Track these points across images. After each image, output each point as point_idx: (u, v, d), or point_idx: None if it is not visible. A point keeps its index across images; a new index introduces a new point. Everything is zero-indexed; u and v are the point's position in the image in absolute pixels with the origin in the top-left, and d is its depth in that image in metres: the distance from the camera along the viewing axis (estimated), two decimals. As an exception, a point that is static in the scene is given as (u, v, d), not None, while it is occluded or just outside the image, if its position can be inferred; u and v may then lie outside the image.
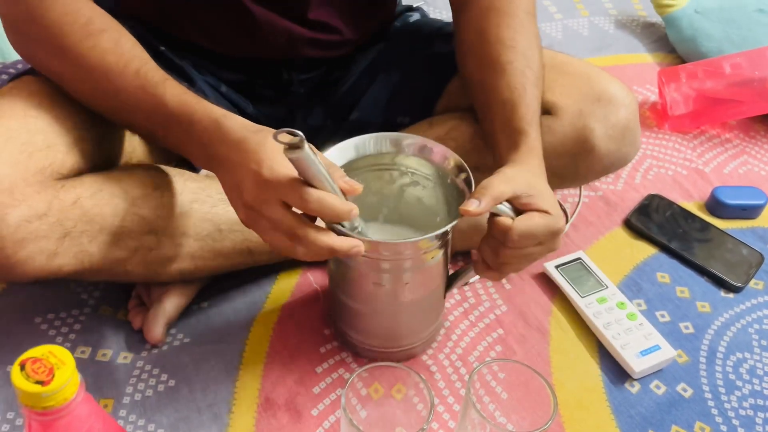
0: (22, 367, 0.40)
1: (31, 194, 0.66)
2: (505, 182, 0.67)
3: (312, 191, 0.60)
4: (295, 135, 0.55)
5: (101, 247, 0.71)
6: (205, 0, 0.81)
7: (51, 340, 0.80)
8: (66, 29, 0.67)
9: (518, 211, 0.67)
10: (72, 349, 0.79)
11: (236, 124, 0.65)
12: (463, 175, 0.72)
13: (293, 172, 0.60)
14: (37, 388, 0.40)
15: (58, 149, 0.69)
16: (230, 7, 0.81)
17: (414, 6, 0.98)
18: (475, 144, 0.84)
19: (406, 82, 0.90)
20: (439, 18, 0.97)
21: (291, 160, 0.57)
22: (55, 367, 0.40)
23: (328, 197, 0.60)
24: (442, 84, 0.89)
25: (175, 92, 0.67)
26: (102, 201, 0.71)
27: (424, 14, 0.97)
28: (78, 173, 0.71)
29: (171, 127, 0.67)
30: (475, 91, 0.79)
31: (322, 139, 0.91)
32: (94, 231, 0.70)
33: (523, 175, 0.68)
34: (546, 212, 0.67)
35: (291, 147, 0.56)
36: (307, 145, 0.56)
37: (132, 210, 0.72)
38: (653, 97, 1.21)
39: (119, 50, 0.68)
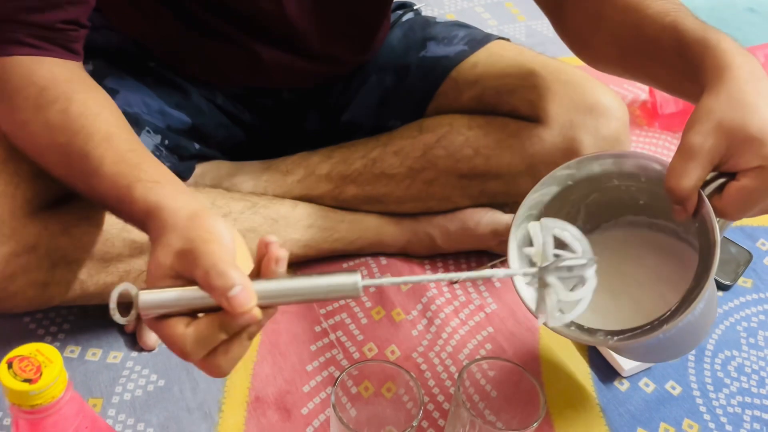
0: (10, 365, 0.40)
1: (19, 228, 0.65)
2: (695, 136, 0.55)
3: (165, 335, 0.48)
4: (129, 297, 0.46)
5: (92, 273, 0.71)
6: (211, 39, 0.79)
7: (40, 339, 0.79)
8: (20, 103, 0.61)
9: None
10: (61, 349, 0.79)
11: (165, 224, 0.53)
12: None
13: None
14: (25, 386, 0.40)
15: (43, 178, 0.66)
16: (236, 46, 0.80)
17: (407, 2, 0.98)
18: (465, 154, 0.84)
19: (397, 85, 0.90)
20: (431, 15, 0.96)
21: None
22: (42, 366, 0.40)
23: (176, 339, 0.47)
24: (434, 87, 0.89)
25: (110, 182, 0.57)
26: (91, 228, 0.70)
27: (417, 12, 0.97)
28: (64, 200, 0.69)
29: (110, 208, 0.60)
30: (626, 51, 0.70)
31: (316, 143, 0.91)
32: (84, 258, 0.70)
33: (720, 108, 0.56)
34: (760, 167, 0.55)
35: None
36: (142, 299, 0.46)
37: (121, 235, 0.72)
38: (643, 95, 1.22)
39: (65, 125, 0.60)
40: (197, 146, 0.86)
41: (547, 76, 0.83)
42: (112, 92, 0.76)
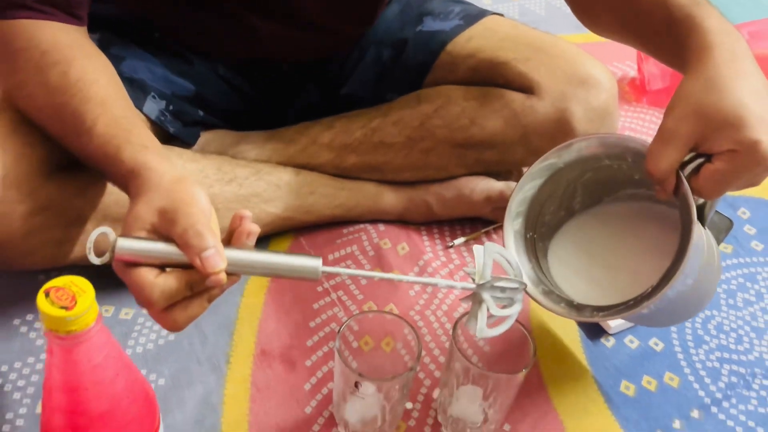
0: (47, 294, 0.44)
1: (36, 188, 0.68)
2: (672, 120, 0.57)
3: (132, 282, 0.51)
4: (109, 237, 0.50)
5: None
6: (209, 12, 0.82)
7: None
8: (21, 64, 0.64)
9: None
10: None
11: (150, 179, 0.56)
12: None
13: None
14: (62, 312, 0.43)
15: None
16: (234, 20, 0.83)
17: None
18: (461, 124, 0.88)
19: (395, 59, 0.93)
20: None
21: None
22: (77, 295, 0.44)
23: (145, 287, 0.51)
24: (431, 60, 0.92)
25: (100, 141, 0.61)
26: (104, 188, 0.73)
27: None
28: (78, 163, 0.71)
29: (98, 168, 0.64)
30: (623, 27, 0.72)
31: (316, 115, 0.94)
32: (98, 218, 0.73)
33: (694, 95, 0.57)
34: (732, 151, 0.56)
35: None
36: (120, 244, 0.50)
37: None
38: (632, 72, 1.26)
39: (63, 88, 0.63)
40: (201, 113, 0.89)
41: (540, 49, 0.87)
42: (119, 59, 0.79)
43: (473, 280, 0.60)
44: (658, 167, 0.59)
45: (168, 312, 0.51)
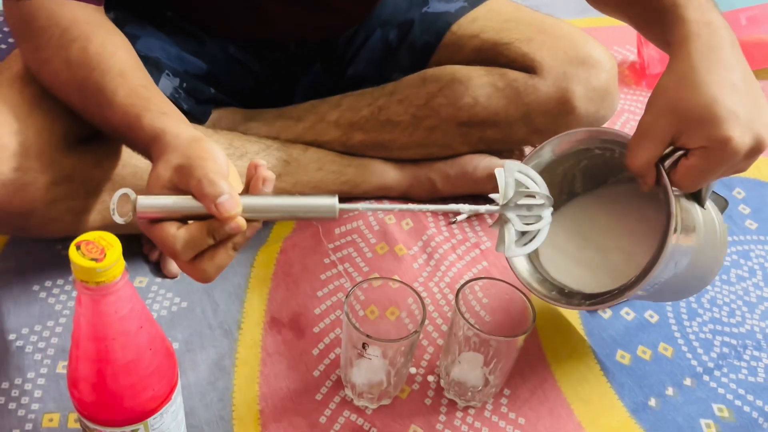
0: (78, 247, 0.47)
1: (58, 159, 0.70)
2: (648, 115, 0.59)
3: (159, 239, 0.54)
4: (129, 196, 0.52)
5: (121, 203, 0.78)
6: None
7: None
8: (43, 42, 0.67)
9: None
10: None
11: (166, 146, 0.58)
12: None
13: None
14: (92, 263, 0.46)
15: (77, 114, 0.71)
16: (243, 1, 0.85)
17: None
18: (465, 102, 0.90)
19: (401, 40, 0.95)
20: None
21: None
22: (105, 248, 0.47)
23: (168, 239, 0.53)
24: (436, 40, 0.94)
25: (121, 111, 0.63)
26: (122, 161, 0.76)
27: None
28: (96, 136, 0.75)
29: (120, 137, 0.66)
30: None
31: (323, 94, 0.96)
32: (115, 188, 0.75)
33: (669, 90, 0.58)
34: (704, 147, 0.57)
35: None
36: (140, 202, 0.52)
37: (148, 169, 0.78)
38: (632, 56, 1.28)
39: (84, 62, 0.65)
40: (212, 91, 0.92)
41: (543, 30, 0.90)
42: (134, 38, 0.82)
43: (497, 203, 0.59)
44: (635, 162, 0.60)
45: (196, 263, 0.54)
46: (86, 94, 0.66)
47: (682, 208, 0.63)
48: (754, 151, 0.58)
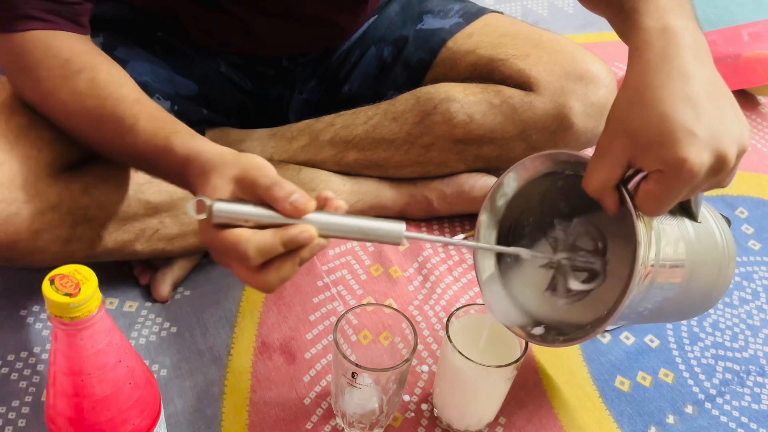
0: (52, 281, 0.45)
1: (44, 188, 0.69)
2: (603, 137, 0.55)
3: (227, 245, 0.52)
4: (205, 202, 0.52)
5: (110, 231, 0.76)
6: (206, 8, 0.84)
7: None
8: (44, 74, 0.66)
9: None
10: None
11: (198, 166, 0.58)
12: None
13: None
14: (66, 299, 0.45)
15: (64, 142, 0.71)
16: (229, 15, 0.84)
17: None
18: (461, 119, 0.88)
19: (396, 57, 0.95)
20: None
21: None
22: (81, 282, 0.46)
23: (241, 242, 0.52)
24: (431, 57, 0.93)
25: (146, 137, 0.63)
26: (108, 189, 0.75)
27: None
28: (84, 163, 0.74)
29: (144, 163, 0.66)
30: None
31: (318, 113, 0.95)
32: (103, 217, 0.75)
33: (622, 109, 0.55)
34: (659, 171, 0.52)
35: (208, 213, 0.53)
36: (217, 206, 0.52)
37: (137, 196, 0.77)
38: (633, 73, 1.27)
39: (94, 92, 0.66)
40: (205, 111, 0.91)
41: (539, 45, 0.88)
42: (123, 62, 0.81)
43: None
44: (590, 185, 0.56)
45: (262, 271, 0.53)
46: (100, 123, 0.65)
47: (660, 229, 0.59)
48: (717, 169, 0.52)
